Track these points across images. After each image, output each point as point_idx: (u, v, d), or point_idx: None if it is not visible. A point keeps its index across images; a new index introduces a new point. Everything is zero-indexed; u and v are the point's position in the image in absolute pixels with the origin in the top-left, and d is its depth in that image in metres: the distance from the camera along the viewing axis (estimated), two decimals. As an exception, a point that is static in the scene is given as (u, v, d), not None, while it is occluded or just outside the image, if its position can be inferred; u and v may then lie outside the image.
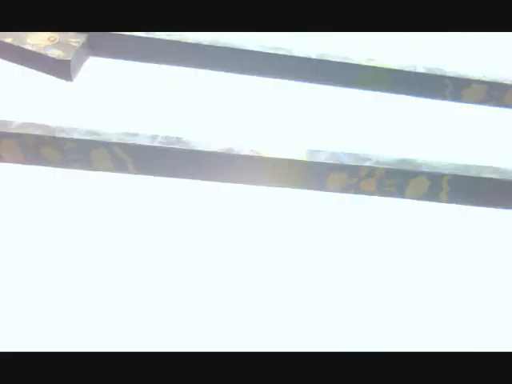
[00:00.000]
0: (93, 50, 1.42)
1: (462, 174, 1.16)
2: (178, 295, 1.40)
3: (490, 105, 1.61)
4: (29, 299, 1.35)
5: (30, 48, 1.31)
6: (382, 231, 1.54)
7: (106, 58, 1.47)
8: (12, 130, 1.14)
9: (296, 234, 1.52)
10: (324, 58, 1.56)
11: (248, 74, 1.64)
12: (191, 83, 1.78)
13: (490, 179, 1.17)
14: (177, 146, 1.14)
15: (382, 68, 1.55)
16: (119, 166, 1.16)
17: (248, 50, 1.53)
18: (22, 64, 1.35)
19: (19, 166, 1.18)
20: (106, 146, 1.13)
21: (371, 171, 1.15)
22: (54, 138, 1.13)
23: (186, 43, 1.48)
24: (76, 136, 1.13)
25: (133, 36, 1.45)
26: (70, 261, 1.42)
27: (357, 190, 1.18)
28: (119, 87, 1.72)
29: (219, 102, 1.88)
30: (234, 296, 1.42)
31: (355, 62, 1.57)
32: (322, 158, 1.16)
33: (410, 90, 1.58)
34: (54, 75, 1.32)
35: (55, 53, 1.30)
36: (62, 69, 1.30)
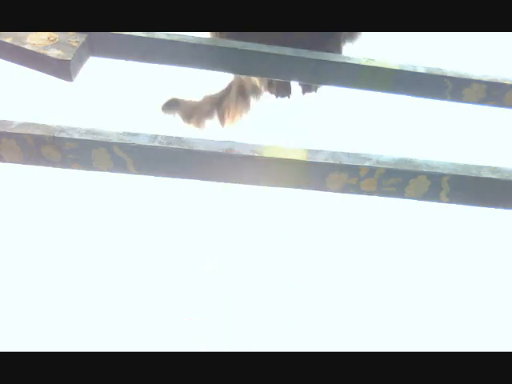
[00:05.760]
0: (93, 50, 1.42)
1: (462, 173, 1.16)
2: (178, 294, 1.41)
3: (489, 105, 1.61)
4: (28, 298, 1.35)
5: (29, 48, 1.31)
6: (381, 231, 1.54)
7: (106, 57, 1.46)
8: (12, 129, 1.14)
9: (296, 234, 1.52)
10: (324, 58, 1.56)
11: (248, 74, 1.64)
12: (191, 83, 1.78)
13: (490, 179, 1.16)
14: (177, 146, 1.14)
15: (382, 68, 1.55)
16: (119, 166, 1.16)
17: (248, 50, 1.53)
18: (21, 64, 1.35)
19: (19, 165, 1.18)
20: (106, 145, 1.13)
21: (371, 171, 1.15)
22: (53, 137, 1.13)
23: (186, 43, 1.48)
24: (76, 136, 1.13)
25: (133, 36, 1.44)
26: (71, 260, 1.42)
27: (357, 190, 1.18)
28: (119, 87, 1.72)
29: (219, 101, 1.87)
30: (235, 296, 1.42)
31: (355, 61, 1.56)
32: (321, 158, 1.16)
33: (410, 90, 1.58)
34: (53, 75, 1.32)
35: (55, 53, 1.30)
36: (62, 69, 1.30)
